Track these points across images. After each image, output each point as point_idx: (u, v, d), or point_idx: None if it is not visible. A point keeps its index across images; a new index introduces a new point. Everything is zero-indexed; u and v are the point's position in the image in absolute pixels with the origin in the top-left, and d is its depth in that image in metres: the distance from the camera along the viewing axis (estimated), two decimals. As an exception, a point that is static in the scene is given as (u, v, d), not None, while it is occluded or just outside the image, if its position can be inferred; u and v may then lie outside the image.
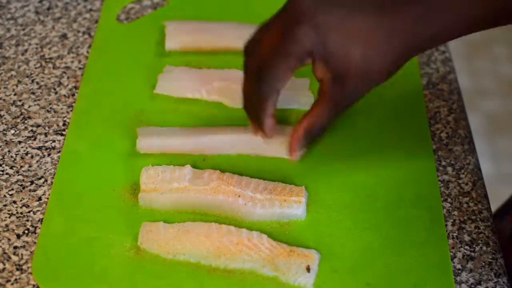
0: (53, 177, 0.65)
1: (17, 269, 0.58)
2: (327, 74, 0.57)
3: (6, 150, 0.67)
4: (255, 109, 0.61)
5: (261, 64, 0.58)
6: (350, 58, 0.56)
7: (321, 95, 0.59)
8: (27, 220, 0.62)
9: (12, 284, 0.57)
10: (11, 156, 0.66)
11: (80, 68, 0.75)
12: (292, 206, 0.61)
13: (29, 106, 0.71)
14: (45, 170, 0.65)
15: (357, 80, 0.57)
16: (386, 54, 0.56)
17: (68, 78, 0.74)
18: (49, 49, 0.77)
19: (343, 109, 0.60)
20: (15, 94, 0.72)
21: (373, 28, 0.55)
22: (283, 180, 0.64)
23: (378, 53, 0.56)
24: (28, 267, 0.58)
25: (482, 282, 0.59)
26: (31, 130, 0.69)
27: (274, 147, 0.66)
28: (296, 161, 0.65)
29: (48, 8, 0.82)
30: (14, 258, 0.59)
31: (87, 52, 0.76)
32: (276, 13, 0.58)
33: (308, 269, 0.57)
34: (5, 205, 0.63)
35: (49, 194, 0.63)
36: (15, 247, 0.60)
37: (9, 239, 0.60)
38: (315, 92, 0.72)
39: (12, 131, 0.69)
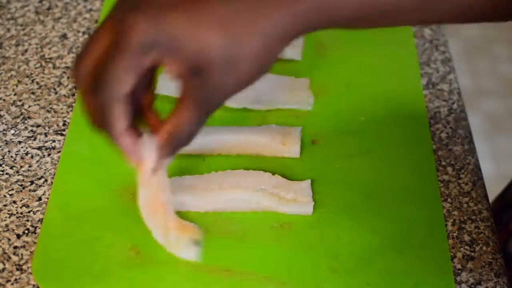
0: (53, 177, 0.65)
1: (17, 269, 0.58)
2: (182, 68, 0.47)
3: (6, 150, 0.67)
4: (104, 128, 0.50)
5: (93, 72, 0.48)
6: (206, 45, 0.46)
7: (182, 95, 0.49)
8: (27, 220, 0.61)
9: (12, 284, 0.57)
10: (11, 156, 0.66)
11: (80, 68, 0.75)
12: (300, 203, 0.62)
13: (29, 106, 0.71)
14: (45, 170, 0.65)
15: (222, 71, 0.47)
16: (251, 38, 0.47)
17: (68, 78, 0.74)
18: (49, 49, 0.77)
19: (211, 108, 0.50)
20: (15, 94, 0.72)
21: (232, 9, 0.46)
22: (283, 180, 0.64)
23: (241, 37, 0.46)
24: (28, 267, 0.58)
25: (482, 282, 0.59)
26: (31, 130, 0.69)
27: (274, 147, 0.66)
28: (150, 173, 0.53)
29: (48, 8, 0.82)
30: (14, 258, 0.59)
31: (87, 52, 0.76)
32: (106, 13, 0.49)
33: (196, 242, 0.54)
34: (5, 205, 0.63)
35: (49, 194, 0.63)
36: (15, 247, 0.60)
37: (9, 239, 0.60)
38: (315, 92, 0.72)
39: (12, 131, 0.69)
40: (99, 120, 0.50)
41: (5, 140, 0.68)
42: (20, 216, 0.62)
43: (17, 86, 0.73)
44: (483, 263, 0.60)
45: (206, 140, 0.66)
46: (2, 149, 0.67)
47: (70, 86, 0.73)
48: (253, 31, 0.46)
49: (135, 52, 0.46)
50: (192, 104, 0.49)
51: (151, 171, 0.52)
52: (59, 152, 0.67)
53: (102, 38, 0.48)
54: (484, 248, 0.61)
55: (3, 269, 0.58)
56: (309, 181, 0.63)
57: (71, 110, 0.70)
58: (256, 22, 0.46)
